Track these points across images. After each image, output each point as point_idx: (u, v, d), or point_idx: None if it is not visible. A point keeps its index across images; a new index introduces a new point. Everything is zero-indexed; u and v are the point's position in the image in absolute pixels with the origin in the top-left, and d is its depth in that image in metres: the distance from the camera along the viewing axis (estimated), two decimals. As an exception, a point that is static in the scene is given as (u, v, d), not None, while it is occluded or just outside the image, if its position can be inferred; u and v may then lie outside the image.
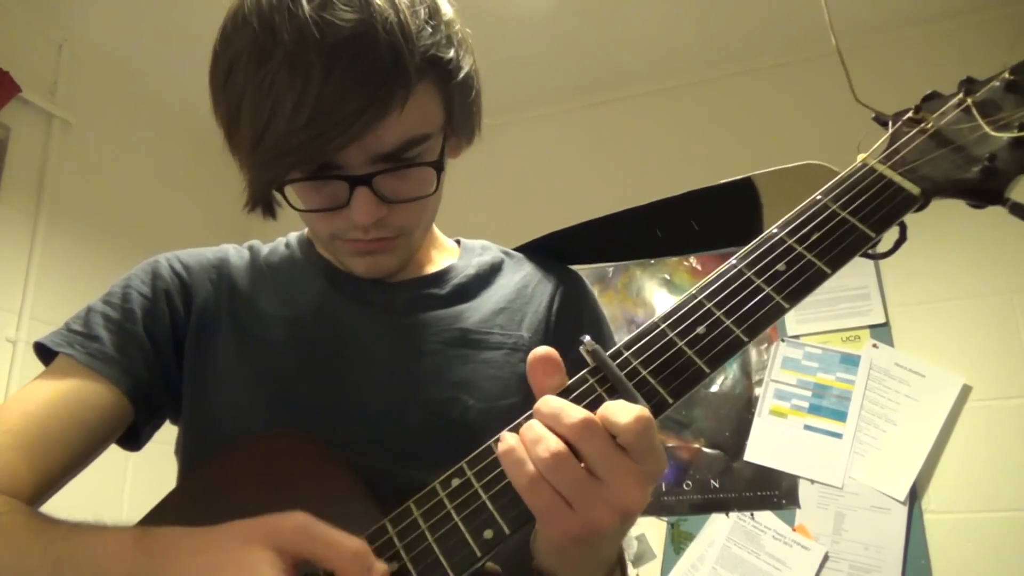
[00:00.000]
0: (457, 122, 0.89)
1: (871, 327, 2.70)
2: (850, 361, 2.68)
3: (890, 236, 0.73)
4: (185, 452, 0.92)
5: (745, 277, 0.69)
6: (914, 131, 0.77)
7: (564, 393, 0.66)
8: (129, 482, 2.60)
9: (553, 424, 0.61)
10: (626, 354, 0.68)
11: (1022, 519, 2.39)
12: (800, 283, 0.68)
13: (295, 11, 0.75)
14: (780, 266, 0.69)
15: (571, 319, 0.99)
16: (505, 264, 1.03)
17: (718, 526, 2.64)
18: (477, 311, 0.96)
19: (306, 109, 0.74)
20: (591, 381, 0.67)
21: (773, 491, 2.62)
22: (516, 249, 1.08)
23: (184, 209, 3.33)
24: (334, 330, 0.92)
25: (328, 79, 0.74)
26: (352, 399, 0.88)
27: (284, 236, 1.05)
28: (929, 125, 0.77)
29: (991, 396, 2.53)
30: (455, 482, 0.66)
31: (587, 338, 0.68)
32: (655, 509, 2.71)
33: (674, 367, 0.66)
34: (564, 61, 3.17)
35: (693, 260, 2.98)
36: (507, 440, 0.63)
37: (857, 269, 2.68)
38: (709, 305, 0.69)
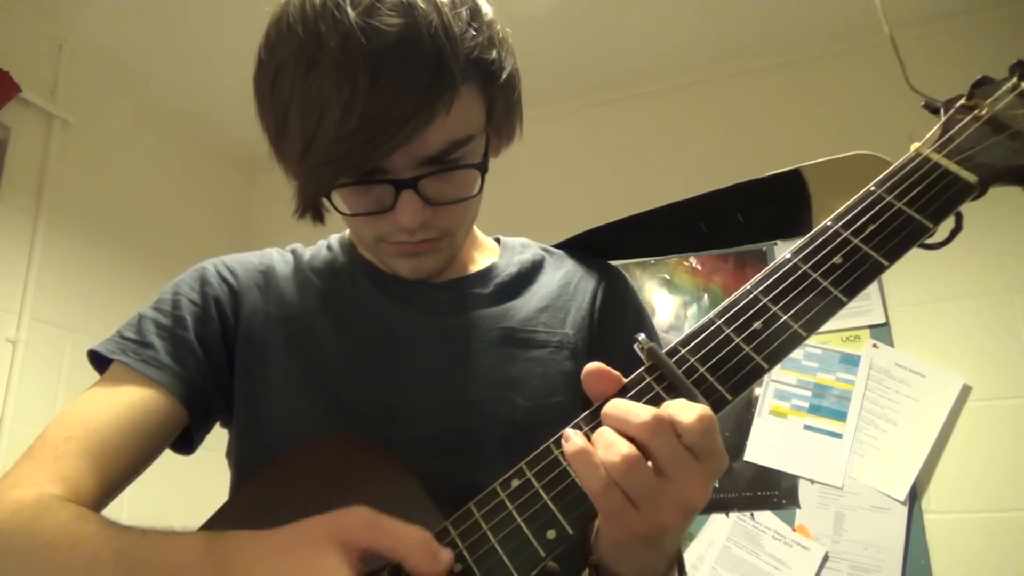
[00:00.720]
0: (499, 122, 0.89)
1: (871, 327, 2.70)
2: (850, 361, 2.68)
3: (945, 226, 0.72)
4: (238, 456, 0.92)
5: (801, 271, 0.69)
6: (968, 118, 0.76)
7: (621, 392, 0.66)
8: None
9: (622, 426, 0.62)
10: (683, 351, 0.67)
11: (1022, 519, 2.39)
12: (858, 276, 0.67)
13: (340, 18, 0.74)
14: (836, 259, 0.69)
15: (614, 315, 0.98)
16: (546, 261, 1.03)
17: (718, 526, 2.63)
18: (521, 309, 0.95)
19: (354, 116, 0.74)
20: (648, 379, 0.67)
21: (773, 491, 2.61)
22: (556, 246, 1.07)
23: (183, 209, 3.33)
24: (382, 332, 0.92)
25: (375, 85, 0.74)
26: (402, 400, 0.87)
27: (325, 239, 1.05)
28: (983, 111, 0.76)
29: (991, 396, 2.53)
30: (515, 483, 0.66)
31: (642, 336, 0.68)
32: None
33: (732, 364, 0.66)
34: (564, 61, 3.16)
35: (693, 260, 2.98)
36: (575, 441, 0.62)
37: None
38: (765, 300, 0.68)
